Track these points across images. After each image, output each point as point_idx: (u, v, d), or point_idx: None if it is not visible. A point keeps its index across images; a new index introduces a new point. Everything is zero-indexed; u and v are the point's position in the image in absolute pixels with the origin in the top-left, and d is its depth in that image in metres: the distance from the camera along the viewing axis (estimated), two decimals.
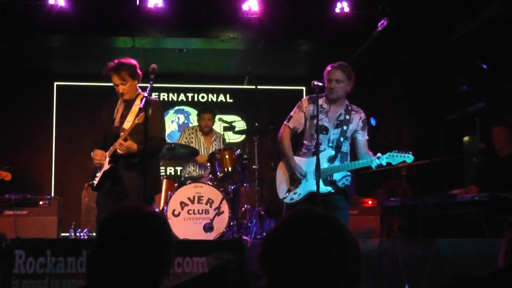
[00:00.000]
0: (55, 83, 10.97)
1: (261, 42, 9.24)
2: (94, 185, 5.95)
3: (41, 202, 8.23)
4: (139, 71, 5.91)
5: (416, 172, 8.44)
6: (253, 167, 8.01)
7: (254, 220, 7.71)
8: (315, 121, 5.73)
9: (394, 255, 5.71)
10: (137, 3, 8.44)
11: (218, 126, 8.87)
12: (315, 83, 5.74)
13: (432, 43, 9.21)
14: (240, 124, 9.56)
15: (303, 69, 10.94)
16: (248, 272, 5.26)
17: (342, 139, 5.88)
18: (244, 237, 6.81)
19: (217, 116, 8.69)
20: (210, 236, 7.17)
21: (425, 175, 9.22)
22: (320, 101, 5.89)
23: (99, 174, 5.89)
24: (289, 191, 5.97)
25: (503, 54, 8.85)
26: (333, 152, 5.85)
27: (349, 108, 6.00)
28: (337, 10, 8.66)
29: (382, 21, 8.52)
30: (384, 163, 5.72)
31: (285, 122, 6.08)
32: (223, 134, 8.70)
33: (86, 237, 8.28)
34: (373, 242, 6.65)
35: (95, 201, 6.18)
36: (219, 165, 7.66)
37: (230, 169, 7.59)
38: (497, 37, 8.63)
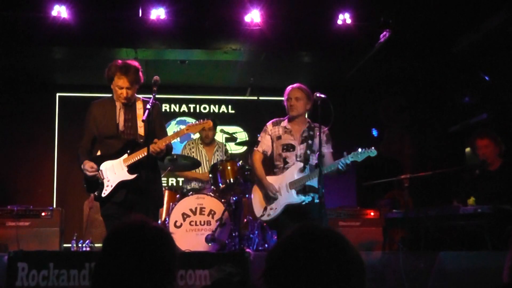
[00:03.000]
0: (57, 94, 10.99)
1: (263, 53, 9.26)
2: (104, 195, 5.66)
3: (43, 213, 8.20)
4: (141, 74, 5.76)
5: (418, 184, 8.44)
6: (255, 178, 8.00)
7: (256, 231, 7.70)
8: (281, 142, 6.41)
9: (397, 267, 5.70)
10: (140, 15, 8.47)
11: (220, 137, 8.87)
12: (317, 94, 5.98)
13: (434, 54, 9.23)
14: (242, 135, 9.57)
15: (305, 80, 10.77)
16: (250, 285, 5.25)
17: (308, 152, 6.35)
18: (247, 249, 6.79)
19: (219, 127, 8.69)
20: (212, 247, 7.15)
21: (427, 186, 9.21)
22: (284, 123, 6.51)
23: (110, 184, 5.63)
24: (265, 209, 6.42)
25: (505, 65, 8.85)
26: (301, 164, 6.31)
27: (312, 125, 6.48)
28: (339, 22, 8.68)
29: (384, 33, 8.54)
30: (349, 161, 6.04)
31: (254, 148, 6.64)
32: (225, 145, 8.69)
33: (88, 248, 8.26)
34: (375, 254, 6.63)
35: (102, 212, 5.89)
36: (221, 176, 7.65)
37: (232, 180, 7.57)
38: (499, 48, 8.64)
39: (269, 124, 6.58)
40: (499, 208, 6.22)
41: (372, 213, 8.65)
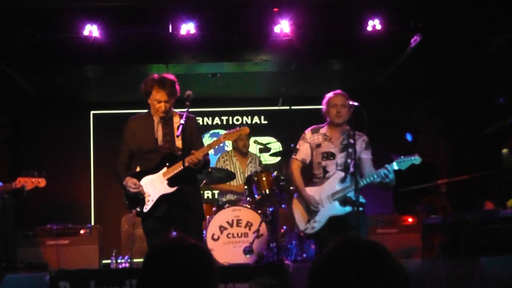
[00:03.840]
0: (92, 112, 11.10)
1: (294, 63, 9.25)
2: (145, 211, 5.61)
3: (82, 231, 8.29)
4: (178, 87, 5.74)
5: (455, 188, 8.36)
6: (291, 188, 7.98)
7: (294, 242, 7.69)
8: (320, 150, 6.18)
9: (437, 274, 5.64)
10: (170, 30, 8.53)
11: (253, 148, 8.87)
12: (350, 102, 5.90)
13: (467, 56, 9.14)
14: (276, 146, 9.55)
15: (337, 88, 10.82)
16: None
17: (349, 160, 6.06)
18: (286, 261, 6.78)
19: (252, 138, 8.70)
20: (250, 259, 7.16)
21: (465, 190, 9.12)
22: (323, 130, 6.28)
23: (151, 198, 5.60)
24: (308, 221, 6.15)
25: None
26: (342, 174, 6.08)
27: (351, 133, 6.12)
28: (369, 28, 8.63)
29: (415, 37, 8.47)
30: (393, 170, 5.85)
31: (292, 156, 6.37)
32: (259, 156, 8.69)
33: (127, 264, 8.33)
34: (415, 261, 6.59)
35: (143, 228, 5.85)
36: (256, 187, 7.66)
37: (267, 191, 7.58)
38: None
39: (307, 132, 6.35)
40: None
41: (409, 219, 8.57)
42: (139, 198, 5.64)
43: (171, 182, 5.60)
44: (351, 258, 1.92)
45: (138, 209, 5.68)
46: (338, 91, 6.26)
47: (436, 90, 10.46)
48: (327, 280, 1.92)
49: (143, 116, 5.91)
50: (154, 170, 5.67)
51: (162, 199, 5.61)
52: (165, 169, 5.64)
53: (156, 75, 5.72)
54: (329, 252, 2.00)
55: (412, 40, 8.55)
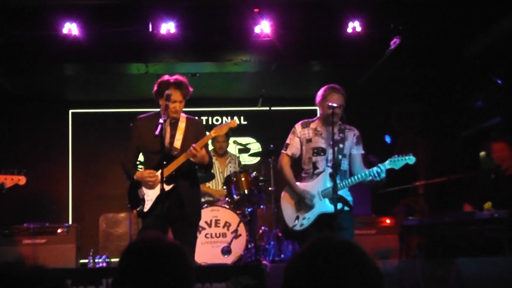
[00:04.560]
0: (70, 111, 11.03)
1: (274, 64, 9.26)
2: (145, 210, 5.68)
3: (59, 230, 8.21)
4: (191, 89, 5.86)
5: (433, 190, 8.40)
6: (269, 189, 8.00)
7: (272, 242, 7.70)
8: (311, 145, 6.06)
9: (415, 275, 5.67)
10: (150, 29, 8.50)
11: (233, 149, 8.87)
12: (329, 104, 5.82)
13: (446, 59, 9.20)
14: (255, 146, 9.57)
15: (316, 89, 10.85)
16: None
17: (340, 157, 5.99)
18: (264, 261, 6.79)
19: (232, 139, 8.70)
20: (228, 259, 7.17)
21: (442, 192, 9.18)
22: (314, 125, 6.17)
23: (150, 198, 5.67)
24: (297, 218, 6.02)
25: None
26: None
27: (342, 127, 6.12)
28: (349, 30, 8.66)
29: (395, 40, 8.52)
30: (385, 169, 5.80)
31: (282, 151, 6.25)
32: (238, 157, 8.70)
33: (104, 263, 8.30)
34: (392, 262, 6.62)
35: (143, 225, 5.86)
36: (235, 188, 7.67)
37: (246, 191, 7.59)
38: (511, 51, 8.60)
39: (297, 126, 6.23)
40: None
41: (387, 221, 8.61)
42: (140, 198, 5.73)
43: (168, 180, 5.62)
44: (325, 257, 1.92)
45: (139, 209, 5.74)
46: (337, 86, 6.07)
47: (415, 92, 10.51)
48: (301, 279, 1.92)
49: (152, 116, 5.94)
50: (154, 170, 5.73)
51: (160, 198, 5.61)
52: None
53: (168, 76, 5.83)
54: (303, 251, 2.00)
55: (392, 42, 8.59)
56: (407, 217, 7.73)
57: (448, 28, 8.71)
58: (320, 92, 6.10)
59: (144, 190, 5.72)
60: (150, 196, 5.68)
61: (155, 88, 5.81)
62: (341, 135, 6.05)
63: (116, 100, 10.87)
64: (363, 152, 6.14)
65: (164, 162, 5.59)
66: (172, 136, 5.79)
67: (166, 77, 5.82)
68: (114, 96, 10.74)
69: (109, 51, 8.72)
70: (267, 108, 8.35)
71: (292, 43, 8.74)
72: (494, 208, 6.44)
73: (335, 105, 5.80)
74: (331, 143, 5.89)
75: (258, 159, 10.10)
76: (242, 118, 11.36)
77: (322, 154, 6.04)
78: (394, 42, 8.55)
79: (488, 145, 7.15)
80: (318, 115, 6.35)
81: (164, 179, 5.55)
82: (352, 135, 6.10)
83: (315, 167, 6.06)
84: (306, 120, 6.25)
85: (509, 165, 6.96)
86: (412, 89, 10.45)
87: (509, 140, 7.03)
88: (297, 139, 6.17)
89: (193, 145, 5.56)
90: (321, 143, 6.06)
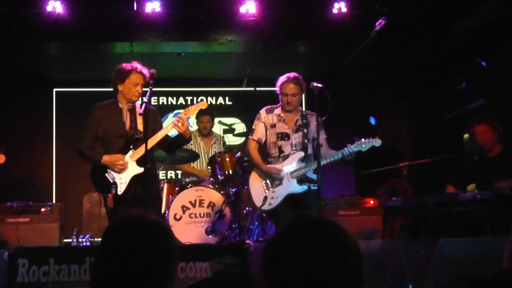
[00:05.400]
0: (54, 90, 10.95)
1: (259, 44, 9.24)
2: (120, 193, 5.74)
3: (43, 209, 8.18)
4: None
5: (417, 171, 8.43)
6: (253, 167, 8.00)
7: (256, 223, 7.71)
8: (275, 130, 6.39)
9: (397, 255, 5.71)
10: (135, 8, 8.44)
11: (217, 129, 8.85)
12: (314, 84, 5.94)
13: (431, 41, 9.21)
14: (240, 127, 9.56)
15: (301, 70, 10.75)
16: (251, 276, 5.26)
17: (306, 141, 6.32)
18: (247, 241, 6.80)
19: (217, 119, 8.68)
20: (212, 239, 7.17)
21: (426, 174, 9.22)
22: (277, 111, 6.49)
23: (123, 181, 5.75)
24: (265, 198, 6.36)
25: (502, 50, 8.84)
26: (302, 154, 6.31)
27: (304, 113, 6.47)
28: (335, 11, 8.65)
29: (380, 21, 8.50)
30: (353, 151, 6.10)
31: (249, 136, 6.58)
32: (223, 137, 8.68)
33: (88, 243, 8.28)
34: (375, 242, 6.66)
35: (117, 208, 5.84)
36: (219, 168, 7.65)
37: (231, 172, 7.57)
38: (496, 33, 8.62)
39: (262, 112, 6.55)
40: (498, 194, 6.22)
41: (371, 202, 8.65)
42: (108, 183, 5.78)
43: (139, 162, 5.74)
44: (303, 235, 1.93)
45: (113, 193, 5.76)
46: (291, 75, 6.36)
47: (400, 74, 10.52)
48: (280, 258, 1.92)
49: (109, 104, 6.04)
50: (120, 153, 5.80)
51: (134, 180, 5.76)
52: (131, 152, 5.79)
53: (126, 64, 5.91)
54: (281, 230, 2.00)
55: (377, 23, 8.58)
56: (391, 198, 7.76)
57: (433, 9, 8.70)
58: (277, 83, 6.42)
59: (113, 173, 5.78)
60: (123, 179, 5.76)
61: (114, 75, 5.93)
62: (304, 120, 6.37)
63: (101, 79, 10.73)
64: (325, 136, 6.40)
65: (131, 146, 5.77)
66: (133, 121, 5.88)
67: (122, 65, 5.92)
68: (99, 75, 10.64)
69: (93, 30, 8.66)
70: (252, 89, 8.34)
71: (277, 23, 8.72)
72: (477, 190, 6.49)
73: (319, 85, 5.96)
74: (294, 128, 6.31)
75: (243, 139, 10.08)
76: (227, 98, 11.33)
77: (286, 139, 6.36)
78: (379, 23, 8.54)
79: (471, 127, 7.18)
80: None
81: (135, 162, 5.73)
82: (314, 120, 6.31)
83: (280, 150, 6.38)
84: (270, 106, 6.55)
85: (491, 146, 6.99)
86: (397, 71, 10.45)
87: (491, 121, 7.05)
88: (262, 124, 6.49)
89: (179, 115, 5.79)
90: (285, 128, 6.38)
